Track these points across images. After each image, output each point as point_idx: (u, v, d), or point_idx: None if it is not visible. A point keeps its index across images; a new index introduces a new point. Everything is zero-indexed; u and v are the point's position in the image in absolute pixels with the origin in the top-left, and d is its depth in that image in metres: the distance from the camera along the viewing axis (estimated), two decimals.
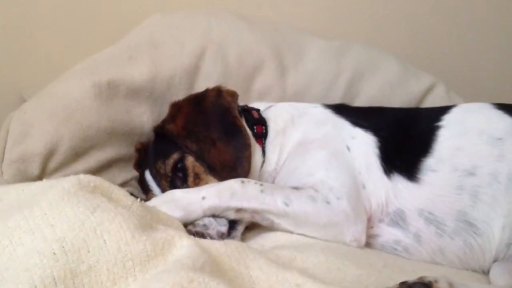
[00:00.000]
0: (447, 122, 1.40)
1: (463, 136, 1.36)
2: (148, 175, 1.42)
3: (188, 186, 1.34)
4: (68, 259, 0.80)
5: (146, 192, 1.43)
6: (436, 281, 1.01)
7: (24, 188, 0.99)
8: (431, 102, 1.92)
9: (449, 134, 1.37)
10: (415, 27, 2.45)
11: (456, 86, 2.06)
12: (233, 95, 1.45)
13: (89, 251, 0.83)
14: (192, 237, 0.98)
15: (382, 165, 1.37)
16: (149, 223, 0.95)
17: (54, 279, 0.78)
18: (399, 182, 1.34)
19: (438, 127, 1.39)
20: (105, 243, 0.84)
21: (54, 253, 0.80)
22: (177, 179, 1.35)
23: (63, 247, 0.81)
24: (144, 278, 0.84)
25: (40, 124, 1.34)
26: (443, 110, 1.46)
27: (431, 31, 2.46)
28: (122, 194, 1.00)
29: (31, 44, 2.04)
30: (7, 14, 1.96)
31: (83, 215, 0.86)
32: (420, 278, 1.02)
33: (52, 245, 0.81)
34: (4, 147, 1.28)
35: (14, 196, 0.97)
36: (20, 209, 0.88)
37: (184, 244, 0.93)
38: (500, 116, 1.37)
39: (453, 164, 1.32)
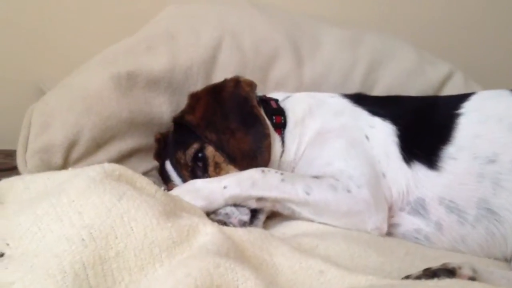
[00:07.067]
0: (467, 110, 1.38)
1: (483, 123, 1.34)
2: (168, 165, 1.43)
3: (208, 176, 1.34)
4: (96, 245, 0.81)
5: (166, 182, 1.44)
6: (460, 267, 1.01)
7: (50, 177, 1.00)
8: (449, 90, 1.90)
9: (468, 121, 1.36)
10: (432, 13, 2.42)
11: (474, 74, 2.04)
12: (251, 85, 1.45)
13: (116, 238, 0.83)
14: (216, 224, 0.98)
15: (401, 154, 1.36)
16: (173, 211, 0.96)
17: (84, 264, 0.79)
18: (419, 170, 1.34)
19: (457, 115, 1.38)
20: (132, 229, 0.85)
21: (83, 239, 0.81)
22: (197, 169, 1.36)
23: (91, 233, 0.82)
24: (171, 264, 0.85)
25: (61, 115, 1.35)
26: (462, 97, 1.44)
27: (448, 17, 2.43)
28: (145, 183, 1.01)
29: (49, 37, 2.06)
30: (25, 6, 1.98)
31: (110, 202, 0.87)
32: (444, 264, 1.02)
33: (81, 231, 0.82)
34: (27, 138, 1.30)
35: (41, 185, 0.98)
36: (48, 197, 0.89)
37: (209, 231, 0.93)
38: None
39: (473, 152, 1.30)
